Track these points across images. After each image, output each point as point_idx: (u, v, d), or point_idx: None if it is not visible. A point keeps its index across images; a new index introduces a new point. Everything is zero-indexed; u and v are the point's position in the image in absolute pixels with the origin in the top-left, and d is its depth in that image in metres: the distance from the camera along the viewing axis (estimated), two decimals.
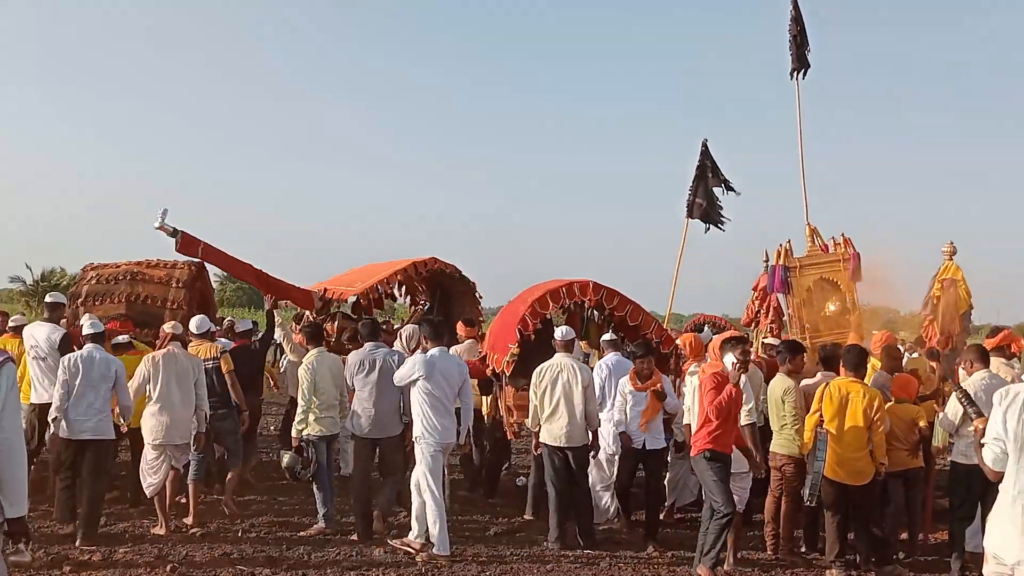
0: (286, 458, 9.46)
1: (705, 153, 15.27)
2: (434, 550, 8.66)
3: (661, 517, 10.48)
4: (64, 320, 10.92)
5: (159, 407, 9.36)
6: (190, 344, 10.20)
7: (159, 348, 9.80)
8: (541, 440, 9.55)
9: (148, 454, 9.49)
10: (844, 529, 8.53)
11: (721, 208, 15.19)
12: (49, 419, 9.07)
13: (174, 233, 10.49)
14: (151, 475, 9.47)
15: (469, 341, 12.12)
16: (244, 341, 12.14)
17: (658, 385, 9.41)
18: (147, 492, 9.56)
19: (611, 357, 10.36)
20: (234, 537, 9.33)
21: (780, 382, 9.06)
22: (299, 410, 9.48)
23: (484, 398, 11.44)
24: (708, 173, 15.20)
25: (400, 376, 8.98)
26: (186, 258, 11.73)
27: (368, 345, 9.52)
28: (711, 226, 15.14)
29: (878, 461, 8.45)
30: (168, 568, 8.02)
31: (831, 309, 11.56)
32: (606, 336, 10.61)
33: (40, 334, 10.28)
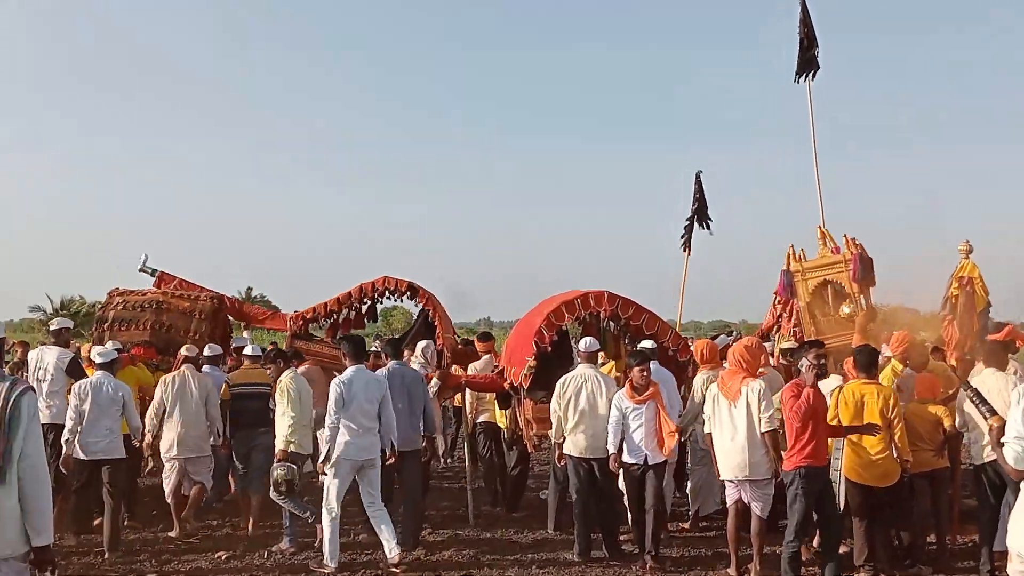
0: (280, 471, 9.40)
1: (699, 187, 16.07)
2: (324, 560, 8.96)
3: (686, 526, 10.50)
4: (75, 343, 11.41)
5: (170, 424, 10.27)
6: (243, 367, 11.07)
7: (173, 370, 10.66)
8: (566, 451, 9.52)
9: (165, 465, 10.52)
10: (872, 533, 8.45)
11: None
12: (63, 441, 9.51)
13: (153, 273, 13.00)
14: (166, 483, 10.47)
15: (486, 356, 12.14)
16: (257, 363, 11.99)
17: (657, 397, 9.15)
18: (166, 497, 10.47)
19: (650, 366, 10.06)
20: (260, 558, 9.36)
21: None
22: (288, 427, 9.53)
23: (503, 412, 11.43)
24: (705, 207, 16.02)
25: (331, 400, 9.00)
26: (211, 289, 13.14)
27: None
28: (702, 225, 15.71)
29: (903, 459, 8.37)
30: None
31: (845, 312, 11.48)
32: (645, 343, 10.33)
33: (49, 357, 10.59)
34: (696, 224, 16.00)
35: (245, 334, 14.05)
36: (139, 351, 11.72)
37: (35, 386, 10.06)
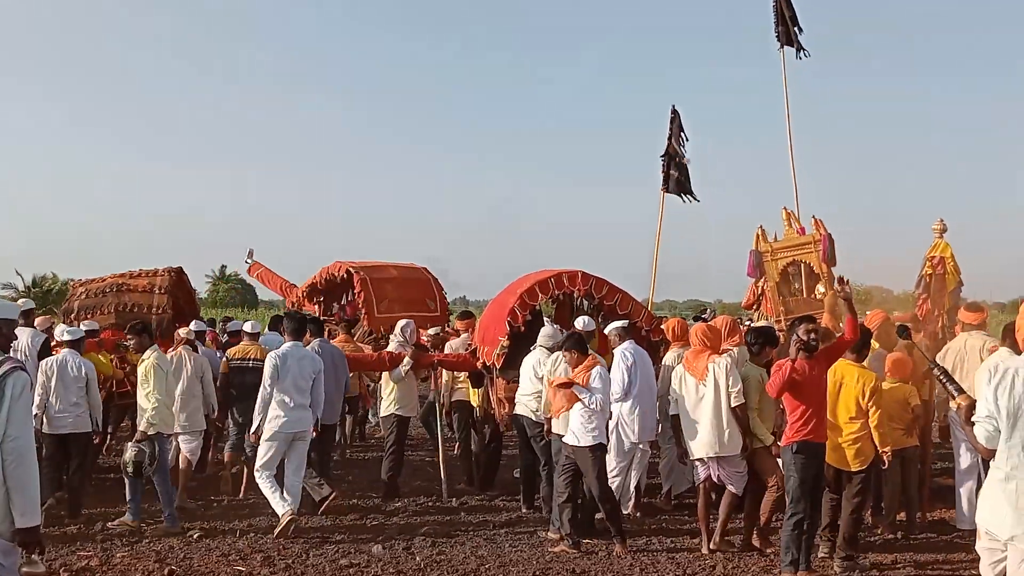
0: (132, 451, 9.35)
1: (674, 120, 15.00)
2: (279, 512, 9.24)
3: (659, 504, 10.55)
4: (50, 321, 11.67)
5: (169, 400, 10.26)
6: (242, 343, 11.63)
7: (172, 349, 11.05)
8: (554, 430, 9.49)
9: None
10: (837, 509, 8.39)
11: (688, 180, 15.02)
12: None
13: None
14: None
15: (464, 335, 12.15)
16: (236, 340, 12.80)
17: (582, 379, 8.91)
18: None
19: (628, 345, 9.96)
20: (232, 537, 9.32)
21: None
22: (152, 408, 9.46)
23: (475, 391, 11.45)
24: (680, 142, 15.00)
25: (266, 373, 9.43)
26: (164, 265, 13.55)
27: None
28: (687, 198, 14.95)
29: (880, 448, 8.25)
30: (166, 572, 8.00)
31: (821, 292, 11.54)
32: (617, 323, 10.23)
33: (22, 339, 10.71)
34: (676, 177, 15.26)
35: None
36: (108, 334, 12.17)
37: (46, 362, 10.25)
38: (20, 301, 12.03)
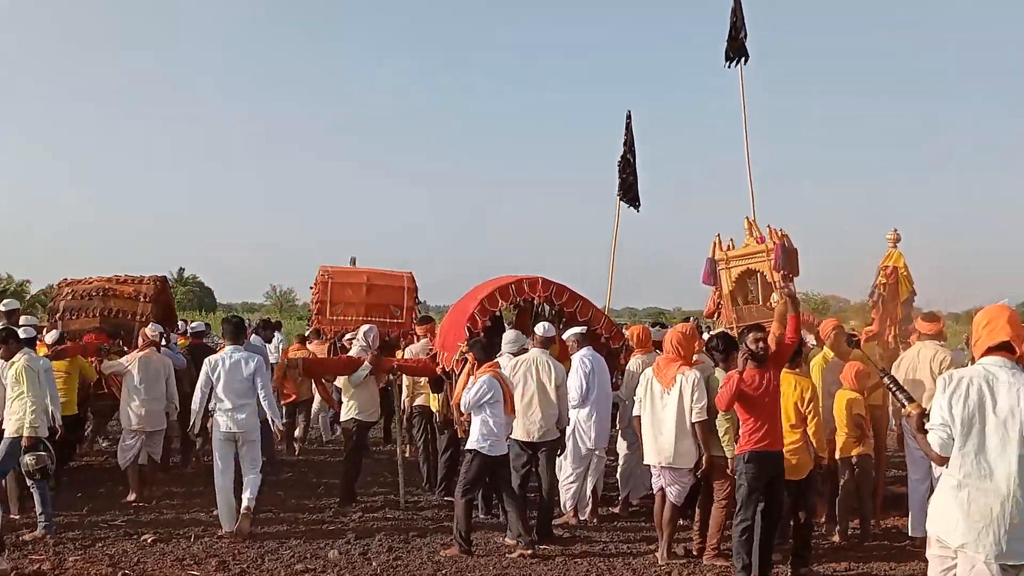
0: (30, 458, 9.13)
1: (629, 127, 14.97)
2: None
3: (616, 510, 10.59)
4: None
5: (135, 400, 11.19)
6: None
7: (139, 351, 11.54)
8: (512, 436, 9.51)
9: (125, 438, 11.39)
10: (788, 518, 8.42)
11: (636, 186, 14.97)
12: None
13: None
14: (125, 453, 11.33)
15: (423, 340, 12.14)
16: (198, 341, 13.85)
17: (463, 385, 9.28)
18: (120, 465, 11.39)
19: (586, 352, 10.07)
20: (186, 541, 9.27)
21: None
22: (30, 411, 9.23)
23: (435, 396, 11.43)
24: (634, 148, 14.95)
25: (200, 380, 9.71)
26: (150, 273, 13.68)
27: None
28: (633, 206, 14.94)
29: (817, 454, 8.37)
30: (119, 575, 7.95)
31: (774, 300, 11.61)
32: (576, 329, 10.30)
33: None
34: (626, 178, 15.12)
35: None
36: (91, 338, 12.15)
37: None
38: (4, 302, 12.32)
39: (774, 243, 11.43)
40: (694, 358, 8.93)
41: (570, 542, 9.42)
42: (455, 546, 8.97)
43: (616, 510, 10.68)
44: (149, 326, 11.98)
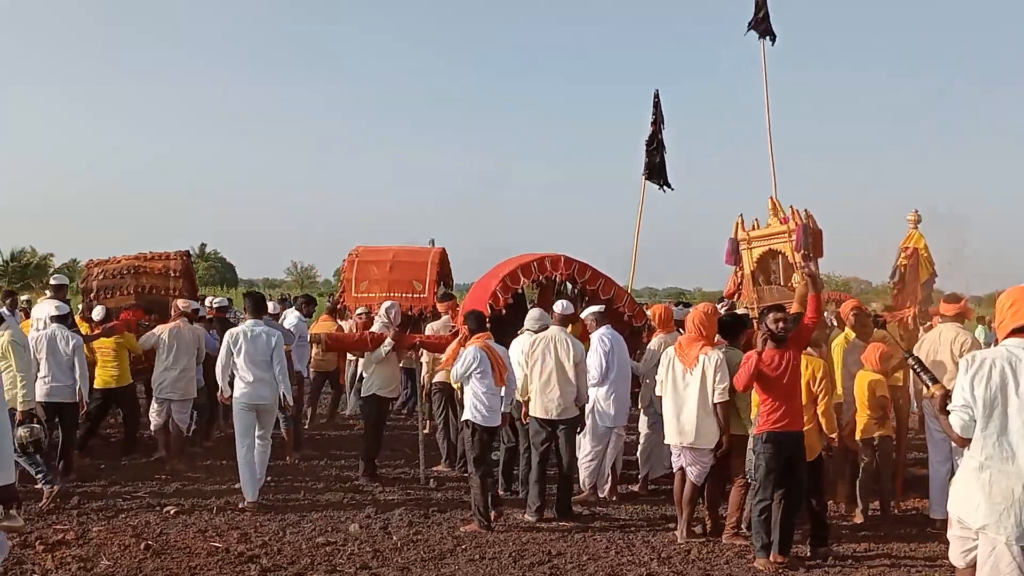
0: (24, 431, 8.94)
1: (657, 105, 14.88)
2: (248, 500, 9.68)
3: (635, 488, 10.61)
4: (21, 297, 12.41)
5: (164, 369, 11.69)
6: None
7: (171, 322, 12.06)
8: (531, 413, 9.55)
9: (154, 404, 11.94)
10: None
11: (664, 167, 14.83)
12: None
13: None
14: (155, 417, 11.84)
15: (445, 316, 12.16)
16: (221, 315, 14.30)
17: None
18: (152, 428, 12.00)
19: (605, 331, 10.11)
20: (208, 513, 9.35)
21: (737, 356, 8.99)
22: (21, 384, 9.31)
23: None
24: (662, 127, 14.82)
25: (221, 350, 10.04)
26: (174, 249, 14.35)
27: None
28: (664, 186, 14.82)
29: (827, 435, 8.38)
30: (143, 546, 8.02)
31: (796, 281, 11.56)
32: (593, 308, 10.36)
33: (46, 310, 11.46)
34: (656, 163, 15.00)
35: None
36: (128, 314, 12.68)
37: (36, 336, 10.85)
38: (54, 276, 13.05)
39: (797, 224, 11.36)
40: (716, 338, 8.92)
41: (589, 519, 9.46)
42: (474, 522, 9.03)
43: (635, 488, 10.70)
44: (181, 300, 12.51)
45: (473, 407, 9.17)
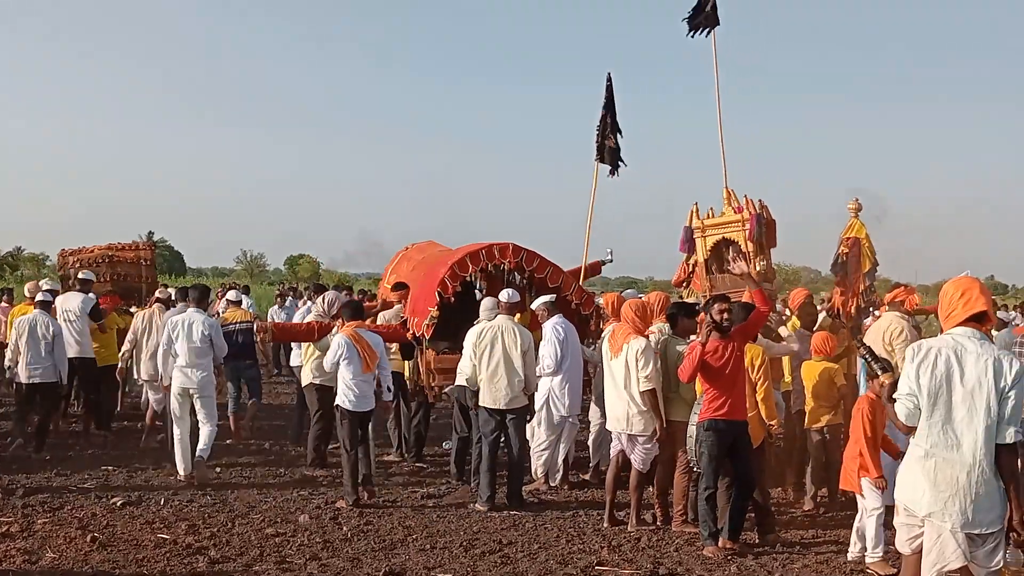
0: None
1: (609, 88, 14.71)
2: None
3: (587, 477, 10.65)
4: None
5: (144, 354, 12.40)
6: (229, 308, 13.56)
7: (147, 307, 12.94)
8: (480, 403, 9.56)
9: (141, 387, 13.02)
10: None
11: (619, 150, 14.71)
12: (4, 366, 12.05)
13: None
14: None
15: (398, 306, 12.11)
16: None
17: None
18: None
19: (558, 320, 10.17)
20: (156, 504, 9.26)
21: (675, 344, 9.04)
22: None
23: (406, 362, 11.44)
24: (614, 110, 14.71)
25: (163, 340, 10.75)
26: (138, 239, 15.81)
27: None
28: (616, 171, 14.71)
29: (767, 422, 8.45)
30: (89, 539, 7.91)
31: (744, 271, 11.58)
32: (544, 298, 10.37)
33: (74, 302, 12.65)
34: (608, 145, 14.87)
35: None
36: (105, 300, 13.65)
37: (67, 325, 12.31)
38: (82, 272, 13.71)
39: (751, 213, 11.38)
40: (649, 329, 8.98)
41: (540, 508, 9.48)
42: (345, 498, 9.43)
43: (587, 477, 10.73)
44: (159, 289, 14.03)
45: (343, 393, 9.51)
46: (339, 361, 9.45)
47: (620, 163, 14.43)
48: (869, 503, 7.57)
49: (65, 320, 12.38)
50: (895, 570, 7.35)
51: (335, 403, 9.65)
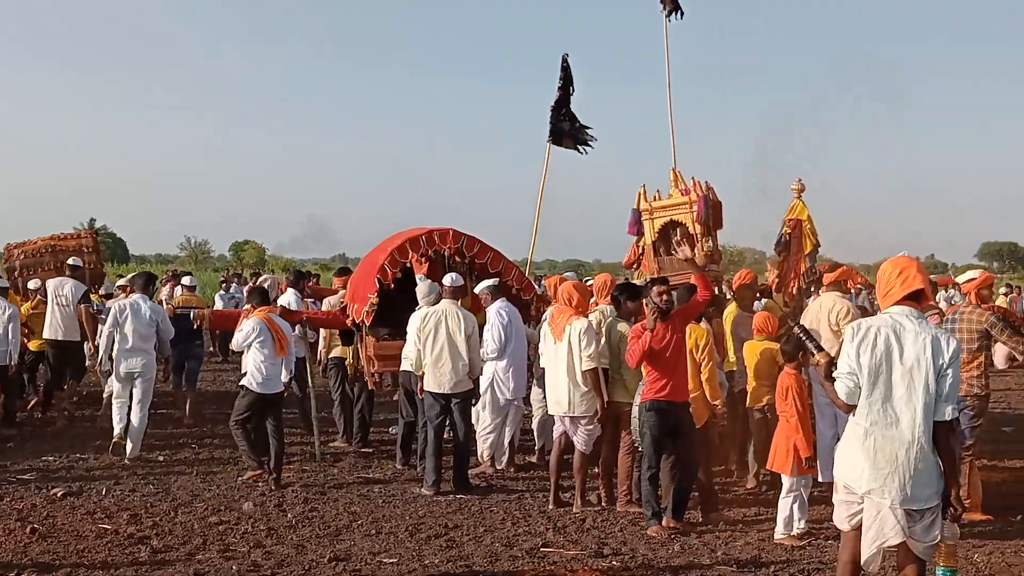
0: None
1: (566, 70, 14.48)
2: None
3: (532, 460, 10.68)
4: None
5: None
6: (182, 295, 14.87)
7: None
8: (425, 387, 9.53)
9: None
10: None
11: (588, 128, 14.65)
12: None
13: None
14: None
15: (341, 292, 12.05)
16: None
17: None
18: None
19: (501, 304, 10.21)
20: (97, 495, 9.15)
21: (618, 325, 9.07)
22: None
23: (347, 348, 11.41)
24: (571, 92, 14.64)
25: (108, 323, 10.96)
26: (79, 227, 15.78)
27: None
28: (583, 148, 14.63)
29: (711, 402, 8.55)
30: (28, 530, 7.80)
31: (687, 253, 11.62)
32: (487, 282, 10.41)
33: (67, 287, 13.20)
34: (570, 128, 14.76)
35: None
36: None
37: (57, 309, 13.07)
38: (71, 259, 14.09)
39: (698, 195, 11.41)
40: (591, 308, 9.06)
41: (486, 491, 9.51)
42: (250, 469, 9.78)
43: (532, 459, 10.76)
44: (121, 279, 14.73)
45: (252, 374, 9.69)
46: (252, 343, 9.69)
47: (588, 141, 14.41)
48: (787, 484, 7.78)
49: (58, 304, 13.11)
50: (803, 542, 7.68)
51: (240, 383, 10.01)
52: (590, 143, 14.52)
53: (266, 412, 9.84)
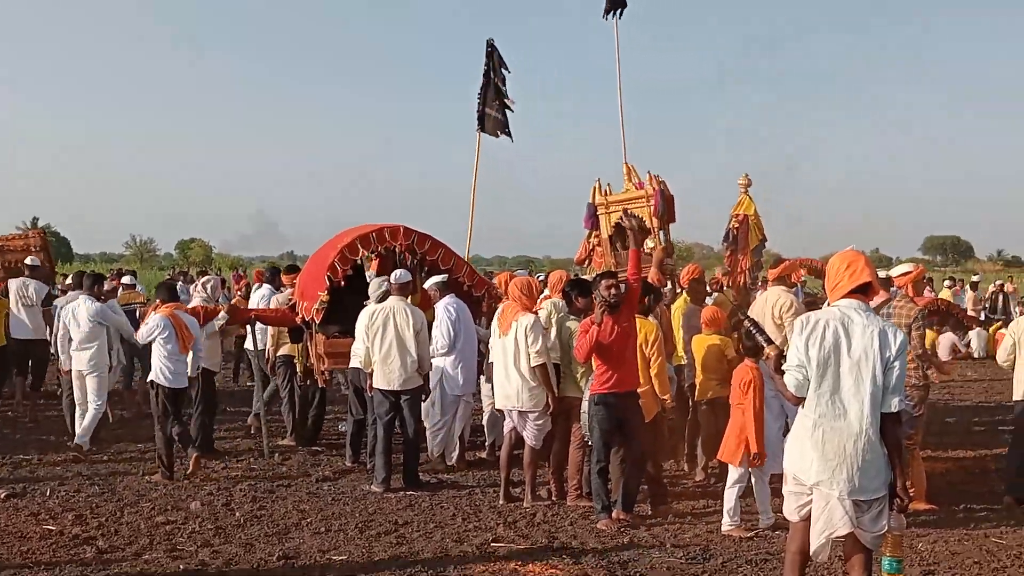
0: None
1: (491, 55, 14.39)
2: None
3: (482, 455, 10.69)
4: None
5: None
6: (122, 292, 14.90)
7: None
8: (375, 384, 9.49)
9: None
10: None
11: (509, 105, 14.52)
12: None
13: None
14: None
15: (290, 289, 11.98)
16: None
17: None
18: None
19: (450, 300, 10.22)
20: (42, 495, 9.03)
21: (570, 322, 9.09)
22: None
23: (296, 347, 11.35)
24: (494, 77, 14.48)
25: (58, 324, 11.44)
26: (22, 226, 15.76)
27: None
28: (504, 136, 14.49)
29: (660, 397, 8.57)
30: None
31: (649, 246, 11.64)
32: (436, 278, 10.40)
33: (30, 288, 13.31)
34: (498, 110, 14.61)
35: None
36: (3, 285, 14.20)
37: (23, 310, 13.22)
38: (28, 259, 14.02)
39: (654, 189, 11.42)
40: (537, 305, 9.08)
41: (436, 487, 9.48)
42: (159, 473, 9.72)
43: (483, 455, 10.76)
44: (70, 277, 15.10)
45: (159, 370, 9.80)
46: (156, 338, 9.80)
47: (507, 133, 14.32)
48: (733, 475, 7.87)
49: (23, 305, 13.29)
50: (750, 533, 7.75)
51: (148, 379, 10.08)
52: (507, 136, 14.42)
53: (175, 405, 9.92)
